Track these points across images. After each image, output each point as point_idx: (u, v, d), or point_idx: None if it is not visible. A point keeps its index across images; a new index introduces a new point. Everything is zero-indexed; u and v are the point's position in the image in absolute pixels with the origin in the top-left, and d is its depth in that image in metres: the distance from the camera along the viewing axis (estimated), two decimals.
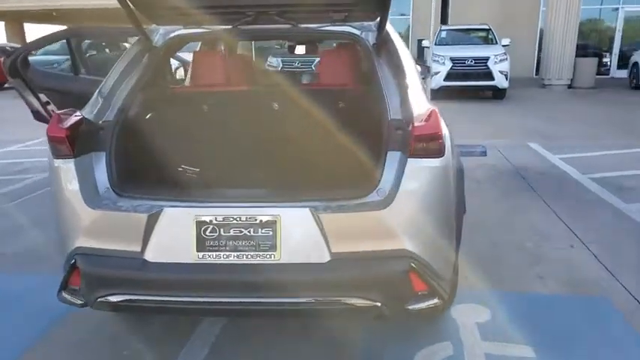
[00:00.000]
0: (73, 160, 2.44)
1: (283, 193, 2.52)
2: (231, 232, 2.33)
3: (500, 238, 4.28)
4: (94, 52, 13.37)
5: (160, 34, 3.15)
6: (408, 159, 2.34)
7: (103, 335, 3.01)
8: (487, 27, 14.72)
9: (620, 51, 18.59)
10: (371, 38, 3.00)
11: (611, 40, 18.93)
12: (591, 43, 19.27)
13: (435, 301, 2.39)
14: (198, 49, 4.56)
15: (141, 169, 2.80)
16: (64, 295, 2.49)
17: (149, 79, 2.96)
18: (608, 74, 18.50)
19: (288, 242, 2.31)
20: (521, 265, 3.83)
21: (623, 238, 4.31)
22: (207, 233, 2.33)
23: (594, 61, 15.52)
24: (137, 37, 3.10)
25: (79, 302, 2.48)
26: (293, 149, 3.52)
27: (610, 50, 18.87)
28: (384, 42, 2.94)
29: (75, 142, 2.45)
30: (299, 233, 2.32)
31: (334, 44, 5.42)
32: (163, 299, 2.38)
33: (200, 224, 2.33)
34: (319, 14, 3.04)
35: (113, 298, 2.39)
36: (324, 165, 3.18)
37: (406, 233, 2.34)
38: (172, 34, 3.13)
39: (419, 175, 2.35)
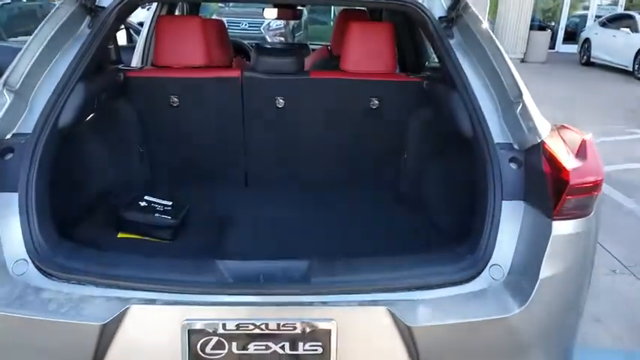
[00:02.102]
0: None
1: (333, 274, 1.54)
2: (251, 349, 1.38)
3: None
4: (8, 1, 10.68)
5: None
6: (553, 221, 1.47)
7: None
8: None
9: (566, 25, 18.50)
10: (437, 9, 2.02)
11: (558, 13, 18.76)
12: (536, 16, 19.05)
13: None
14: (155, 11, 3.34)
15: (84, 218, 2.02)
16: None
17: (92, 59, 1.90)
18: (554, 48, 18.41)
19: None
20: None
21: None
22: (206, 351, 1.36)
23: (548, 34, 15.24)
24: None
25: None
26: (321, 181, 2.66)
27: (557, 24, 18.73)
28: (459, 15, 1.95)
29: None
30: (368, 351, 1.44)
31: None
32: None
33: (193, 335, 1.39)
34: None
35: None
36: (384, 213, 2.35)
37: (542, 346, 1.46)
38: None
39: (568, 247, 1.53)
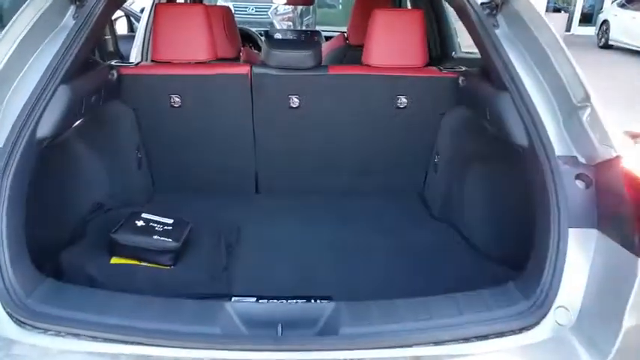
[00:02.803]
0: None
1: (366, 321, 1.28)
2: None
3: None
4: None
5: None
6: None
7: None
8: None
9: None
10: None
11: None
12: None
13: None
14: None
15: (74, 240, 1.81)
16: None
17: (77, 56, 1.63)
18: (569, 31, 17.89)
19: None
20: None
21: None
22: None
23: (565, 16, 14.74)
24: None
25: None
26: (341, 190, 2.41)
27: (573, 5, 18.18)
28: (505, 0, 1.69)
29: None
30: None
31: None
32: None
33: None
34: None
35: None
36: (415, 232, 2.10)
37: None
38: None
39: None
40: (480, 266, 1.82)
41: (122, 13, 4.66)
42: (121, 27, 4.75)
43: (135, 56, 3.07)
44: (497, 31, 1.72)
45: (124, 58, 3.46)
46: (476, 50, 1.96)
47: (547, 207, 1.39)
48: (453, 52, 3.17)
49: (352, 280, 1.78)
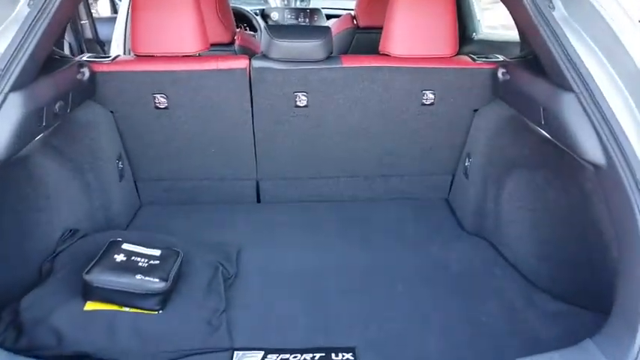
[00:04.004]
0: None
1: None
2: None
3: None
4: None
5: None
6: None
7: None
8: None
9: None
10: None
11: None
12: None
13: None
14: None
15: (43, 278, 1.55)
16: None
17: (34, 54, 1.33)
18: None
19: None
20: None
21: None
22: None
23: None
24: None
25: None
26: (355, 201, 2.12)
27: None
28: None
29: None
30: None
31: None
32: None
33: None
34: None
35: None
36: (447, 257, 1.77)
37: None
38: None
39: None
40: (530, 300, 1.52)
41: None
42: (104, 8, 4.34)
43: (114, 49, 2.71)
44: (554, 14, 1.39)
45: (105, 45, 3.10)
46: (500, 31, 1.64)
47: (634, 239, 1.09)
48: (474, 34, 2.82)
49: (378, 318, 1.48)
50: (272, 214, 2.09)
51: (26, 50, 1.30)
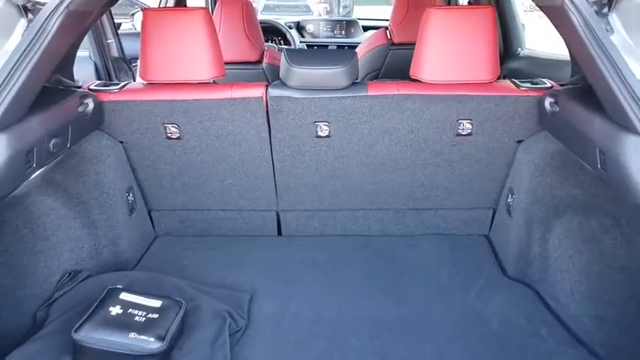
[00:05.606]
0: None
1: None
2: None
3: None
4: None
5: None
6: None
7: None
8: None
9: None
10: None
11: None
12: None
13: None
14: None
15: (32, 331, 1.41)
16: None
17: (27, 83, 1.25)
18: None
19: None
20: None
21: None
22: None
23: None
24: None
25: None
26: (382, 240, 1.90)
27: None
28: None
29: None
30: None
31: None
32: None
33: None
34: None
35: None
36: (489, 311, 1.54)
37: None
38: None
39: None
40: None
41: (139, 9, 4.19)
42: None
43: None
44: (612, 38, 1.18)
45: (132, 62, 3.02)
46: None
47: None
48: (519, 49, 2.59)
49: None
50: (292, 249, 1.93)
51: (13, 87, 1.19)
